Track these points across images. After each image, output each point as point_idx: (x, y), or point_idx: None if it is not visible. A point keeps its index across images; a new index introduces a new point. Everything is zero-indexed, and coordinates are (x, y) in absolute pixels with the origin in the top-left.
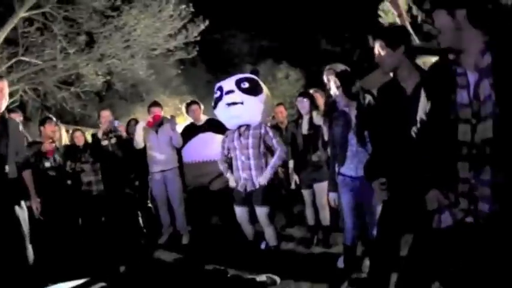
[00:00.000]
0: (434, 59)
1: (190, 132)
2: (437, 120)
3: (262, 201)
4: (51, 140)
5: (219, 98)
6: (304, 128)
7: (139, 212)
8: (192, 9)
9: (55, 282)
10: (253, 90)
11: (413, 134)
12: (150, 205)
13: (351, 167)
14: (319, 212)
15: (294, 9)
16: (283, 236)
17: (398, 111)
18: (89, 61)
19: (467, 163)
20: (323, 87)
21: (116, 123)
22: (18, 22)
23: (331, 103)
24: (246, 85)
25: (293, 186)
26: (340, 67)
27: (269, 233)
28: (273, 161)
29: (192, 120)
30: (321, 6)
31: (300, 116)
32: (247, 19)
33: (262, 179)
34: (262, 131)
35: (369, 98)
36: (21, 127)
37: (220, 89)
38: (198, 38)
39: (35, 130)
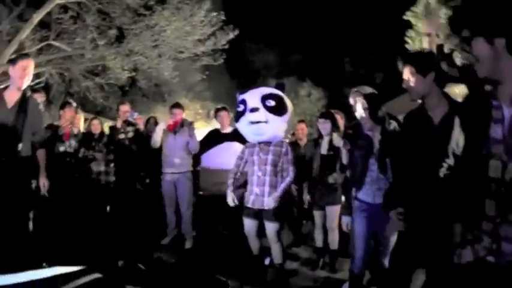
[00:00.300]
0: (457, 87)
1: (215, 138)
2: (471, 154)
3: (273, 217)
4: (69, 124)
5: (242, 113)
6: (324, 149)
7: (146, 210)
8: (223, 17)
9: (50, 265)
10: (279, 109)
11: (444, 166)
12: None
13: (369, 193)
14: (328, 235)
15: (322, 29)
16: (288, 254)
17: (424, 141)
18: (117, 55)
19: (494, 201)
20: (345, 109)
21: (135, 115)
22: (54, 8)
23: (355, 126)
24: (271, 103)
25: (306, 205)
26: (368, 90)
27: (276, 250)
28: (282, 186)
29: (218, 127)
30: (348, 28)
31: (320, 136)
32: (276, 33)
33: (271, 201)
34: (284, 149)
35: (394, 124)
36: (41, 107)
37: (244, 103)
38: (226, 46)
39: (56, 113)
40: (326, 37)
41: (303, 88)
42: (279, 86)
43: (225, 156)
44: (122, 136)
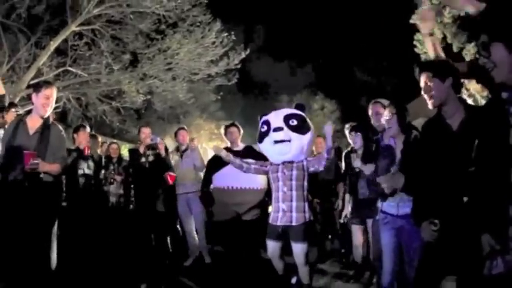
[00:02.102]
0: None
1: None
2: (491, 161)
3: (300, 236)
4: (87, 145)
5: (266, 133)
6: (357, 162)
7: (167, 232)
8: (233, 37)
9: None
10: (302, 128)
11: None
12: (178, 227)
13: (392, 204)
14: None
15: (331, 42)
16: (316, 270)
17: (444, 149)
18: (131, 79)
19: None
20: (359, 120)
21: (158, 139)
22: (69, 35)
23: (376, 140)
24: (294, 122)
25: (342, 220)
26: (385, 102)
27: (303, 271)
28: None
29: (228, 144)
30: (355, 36)
31: (353, 150)
32: (286, 49)
33: (300, 216)
34: (305, 162)
35: (415, 133)
36: (63, 133)
37: (267, 123)
38: (239, 66)
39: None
40: (334, 48)
41: (316, 102)
42: (299, 107)
43: (237, 175)
44: (142, 159)
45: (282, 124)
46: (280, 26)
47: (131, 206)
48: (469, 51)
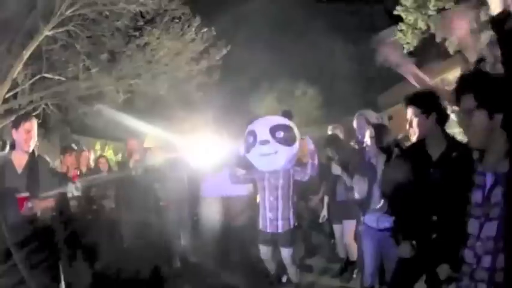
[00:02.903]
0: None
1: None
2: (454, 211)
3: (287, 242)
4: (75, 167)
5: (252, 145)
6: (335, 169)
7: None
8: (214, 33)
9: None
10: (288, 140)
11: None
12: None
13: (373, 218)
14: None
15: (312, 26)
16: (303, 266)
17: (422, 178)
18: (110, 78)
19: (472, 251)
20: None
21: (146, 153)
22: (42, 40)
23: (358, 151)
24: (281, 134)
25: (321, 220)
26: (372, 115)
27: (292, 271)
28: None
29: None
30: (336, 20)
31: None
32: (265, 35)
33: (285, 224)
34: (291, 171)
35: (396, 152)
36: (51, 163)
37: (254, 134)
38: (220, 62)
39: (54, 141)
40: (315, 33)
41: (298, 88)
42: (286, 114)
43: (224, 184)
44: (132, 173)
45: (268, 137)
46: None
47: (120, 217)
48: (452, 43)
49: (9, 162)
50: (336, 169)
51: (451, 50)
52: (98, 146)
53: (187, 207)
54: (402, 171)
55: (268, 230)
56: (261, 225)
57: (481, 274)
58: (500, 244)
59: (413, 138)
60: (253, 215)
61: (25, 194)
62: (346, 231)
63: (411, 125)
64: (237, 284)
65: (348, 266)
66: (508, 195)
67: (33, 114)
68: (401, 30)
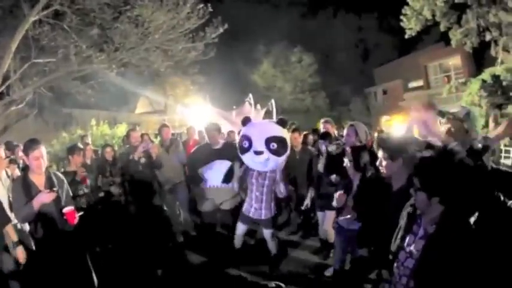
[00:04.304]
0: None
1: (207, 154)
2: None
3: (269, 226)
4: (83, 170)
5: (247, 150)
6: (321, 165)
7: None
8: (210, 9)
9: None
10: (280, 152)
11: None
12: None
13: (344, 221)
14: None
15: None
16: (290, 242)
17: (381, 201)
18: (102, 53)
19: (397, 270)
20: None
21: (149, 145)
22: (29, 26)
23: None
24: (274, 147)
25: (304, 207)
26: (362, 128)
27: (272, 246)
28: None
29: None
30: None
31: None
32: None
33: (267, 212)
34: (277, 176)
35: (370, 173)
36: (63, 177)
37: (249, 141)
38: (216, 40)
39: (48, 119)
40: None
41: (294, 54)
42: (281, 122)
43: (216, 175)
44: (136, 164)
45: (263, 148)
46: None
47: (127, 202)
48: (456, 36)
49: (31, 183)
50: (321, 167)
51: (453, 42)
52: (93, 122)
53: (185, 190)
54: (371, 192)
55: (252, 216)
56: (244, 209)
57: (398, 286)
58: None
59: (384, 175)
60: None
61: (71, 208)
62: (326, 219)
63: (381, 164)
64: (232, 251)
65: (326, 246)
66: (426, 250)
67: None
68: (405, 15)
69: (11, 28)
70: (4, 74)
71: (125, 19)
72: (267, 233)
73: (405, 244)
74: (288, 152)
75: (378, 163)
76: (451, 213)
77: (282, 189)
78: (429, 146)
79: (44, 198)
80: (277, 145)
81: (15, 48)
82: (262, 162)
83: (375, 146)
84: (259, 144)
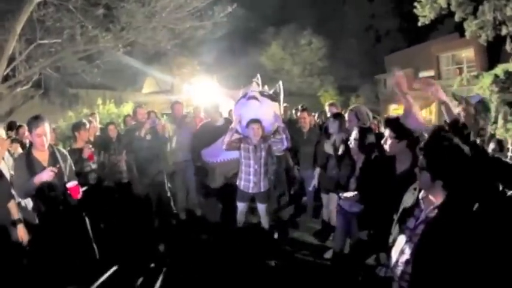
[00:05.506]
0: None
1: (210, 131)
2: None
3: (265, 199)
4: (90, 146)
5: (242, 97)
6: (329, 147)
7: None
8: None
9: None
10: (272, 97)
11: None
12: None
13: (347, 203)
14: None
15: None
16: (291, 223)
17: (385, 182)
18: (108, 33)
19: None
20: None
21: (156, 121)
22: (34, 8)
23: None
24: (266, 94)
25: (311, 188)
26: (363, 110)
27: (265, 221)
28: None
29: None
30: None
31: (327, 132)
32: None
33: (266, 183)
34: (269, 142)
35: (375, 154)
36: (66, 153)
37: (244, 95)
38: (225, 19)
39: (54, 99)
40: None
41: (303, 37)
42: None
43: (222, 150)
44: (141, 139)
45: (257, 94)
46: None
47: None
48: (471, 27)
49: (34, 160)
50: (329, 148)
51: (468, 34)
52: (99, 101)
53: (193, 169)
54: (375, 174)
55: (250, 191)
56: (242, 187)
57: (396, 271)
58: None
59: (387, 153)
60: None
61: (74, 183)
62: (331, 201)
63: (385, 142)
64: (234, 229)
65: (327, 228)
66: (425, 235)
67: (33, 80)
68: (419, 2)
69: (16, 10)
70: (10, 56)
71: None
72: (262, 207)
73: (405, 227)
74: (279, 104)
75: (382, 141)
76: (453, 199)
77: (284, 140)
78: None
79: (44, 176)
80: (269, 93)
81: (20, 30)
82: (255, 101)
83: (382, 126)
84: (253, 92)
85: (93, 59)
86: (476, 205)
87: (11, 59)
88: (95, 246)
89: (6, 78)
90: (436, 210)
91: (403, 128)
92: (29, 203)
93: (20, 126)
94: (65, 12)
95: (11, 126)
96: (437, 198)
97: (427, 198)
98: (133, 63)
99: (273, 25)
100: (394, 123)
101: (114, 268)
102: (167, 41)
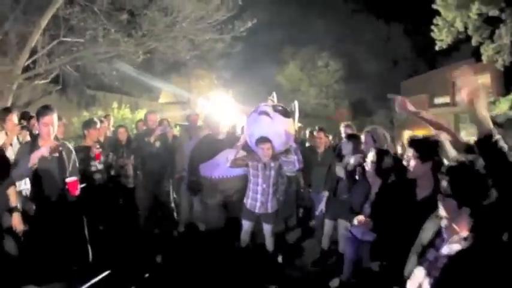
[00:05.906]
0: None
1: (211, 145)
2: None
3: (271, 221)
4: (98, 146)
5: (253, 111)
6: (342, 171)
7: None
8: (240, 2)
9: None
10: (285, 113)
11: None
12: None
13: (359, 230)
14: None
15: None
16: (295, 247)
17: (404, 210)
18: (130, 38)
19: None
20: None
21: (167, 129)
22: (60, 5)
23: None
24: (279, 108)
25: (318, 213)
26: (380, 132)
27: (269, 242)
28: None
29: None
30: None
31: (340, 153)
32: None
33: (274, 204)
34: (279, 162)
35: (392, 179)
36: (72, 148)
37: (256, 109)
38: (244, 34)
39: (72, 97)
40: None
41: (321, 58)
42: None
43: (222, 165)
44: (150, 146)
45: (269, 110)
46: None
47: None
48: (487, 51)
49: (37, 147)
50: (340, 171)
51: (484, 58)
52: (115, 104)
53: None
54: (392, 200)
55: (256, 211)
56: (249, 205)
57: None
58: None
59: (409, 175)
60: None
61: (74, 178)
62: (340, 227)
63: (409, 164)
64: (235, 248)
65: (332, 255)
66: (448, 269)
67: (51, 76)
68: (436, 25)
69: (42, 6)
70: (32, 49)
71: (155, 7)
72: (267, 228)
73: (424, 259)
74: (291, 121)
75: (405, 161)
76: (482, 229)
77: (296, 162)
78: (469, 149)
79: (42, 152)
80: (282, 108)
81: (45, 26)
82: (266, 117)
83: (399, 149)
84: (266, 107)
85: (113, 63)
86: (506, 235)
87: (33, 52)
88: (89, 248)
89: (26, 69)
90: (461, 242)
91: (429, 148)
92: (28, 191)
93: (32, 116)
94: (89, 13)
95: (24, 116)
96: (461, 228)
97: (451, 227)
98: (152, 71)
99: (292, 44)
100: (418, 143)
101: (106, 273)
102: (187, 51)
